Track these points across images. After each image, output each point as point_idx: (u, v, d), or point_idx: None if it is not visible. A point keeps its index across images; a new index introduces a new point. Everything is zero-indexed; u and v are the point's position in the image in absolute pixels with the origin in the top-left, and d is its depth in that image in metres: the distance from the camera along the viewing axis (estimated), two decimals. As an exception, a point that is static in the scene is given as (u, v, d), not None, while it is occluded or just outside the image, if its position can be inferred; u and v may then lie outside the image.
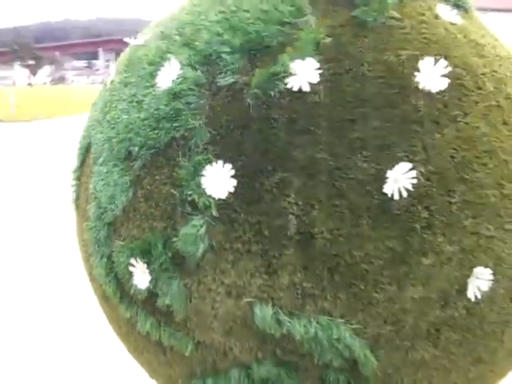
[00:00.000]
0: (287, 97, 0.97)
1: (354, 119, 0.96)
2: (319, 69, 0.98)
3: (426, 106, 0.98)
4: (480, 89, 1.05)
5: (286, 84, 0.98)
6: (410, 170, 0.94)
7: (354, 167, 0.94)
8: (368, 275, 0.94)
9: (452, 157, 0.97)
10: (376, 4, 1.06)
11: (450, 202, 0.96)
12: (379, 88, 0.98)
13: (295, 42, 1.01)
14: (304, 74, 0.98)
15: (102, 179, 1.10)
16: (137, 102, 1.08)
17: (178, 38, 1.11)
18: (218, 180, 0.96)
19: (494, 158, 1.01)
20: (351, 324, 0.95)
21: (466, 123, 1.00)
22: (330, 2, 1.08)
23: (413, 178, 0.94)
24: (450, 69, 1.01)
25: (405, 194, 0.94)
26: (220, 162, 0.96)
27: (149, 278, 1.02)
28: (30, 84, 39.22)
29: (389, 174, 0.93)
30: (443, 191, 0.96)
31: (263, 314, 0.95)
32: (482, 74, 1.07)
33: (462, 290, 0.98)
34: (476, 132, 1.00)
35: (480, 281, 0.99)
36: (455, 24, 1.13)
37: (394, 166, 0.93)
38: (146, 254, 1.01)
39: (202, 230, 0.96)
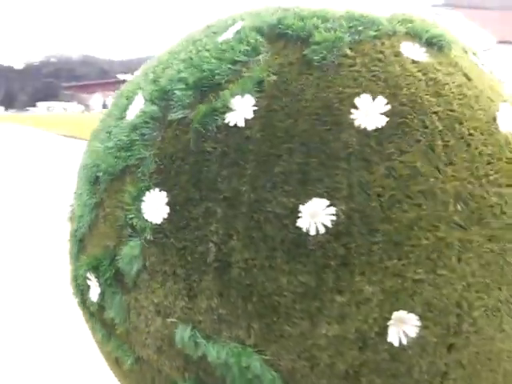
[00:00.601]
0: (224, 131, 1.03)
1: (280, 154, 0.99)
2: (255, 105, 1.03)
3: (358, 143, 0.98)
4: (426, 127, 1.02)
5: (224, 119, 1.04)
6: (329, 206, 0.94)
7: (273, 201, 0.96)
8: (280, 308, 0.95)
9: (379, 195, 0.96)
10: (328, 43, 1.09)
11: (372, 242, 0.94)
12: (311, 124, 1.00)
13: (240, 79, 1.07)
14: (241, 109, 1.03)
15: (78, 200, 1.24)
16: (108, 132, 1.21)
17: (151, 75, 1.23)
18: (155, 206, 1.04)
19: (431, 199, 0.97)
20: (264, 355, 0.96)
21: (400, 161, 0.98)
22: (286, 41, 1.13)
23: (332, 214, 0.94)
24: (389, 107, 1.01)
25: (322, 230, 0.94)
26: (157, 190, 1.05)
27: (98, 291, 1.13)
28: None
29: (303, 208, 0.94)
30: (365, 230, 0.94)
31: (182, 334, 1.00)
32: (433, 113, 1.04)
33: (383, 333, 0.95)
34: (411, 171, 0.98)
35: (406, 326, 0.95)
36: (417, 62, 1.11)
37: (309, 201, 0.94)
38: (95, 270, 1.12)
39: (137, 251, 1.04)
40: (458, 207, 0.99)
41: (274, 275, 0.95)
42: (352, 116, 1.00)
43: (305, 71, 1.06)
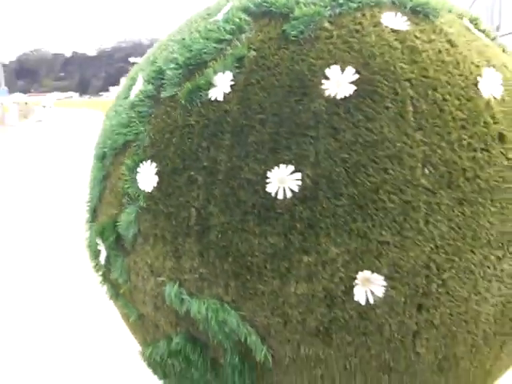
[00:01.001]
0: (206, 106, 1.11)
1: (253, 125, 1.05)
2: (233, 81, 1.10)
3: (327, 112, 1.03)
4: (397, 94, 1.04)
5: (207, 95, 1.12)
6: (296, 172, 1.00)
7: (246, 168, 1.04)
8: (253, 267, 1.03)
9: (344, 161, 1.00)
10: (306, 17, 1.13)
11: (337, 205, 0.99)
12: (284, 96, 1.06)
13: (222, 57, 1.14)
14: (221, 85, 1.11)
15: (91, 175, 1.37)
16: (115, 111, 1.33)
17: (151, 57, 1.33)
18: (147, 176, 1.15)
19: (397, 164, 1.01)
20: (241, 311, 1.05)
21: (367, 128, 1.02)
22: (270, 18, 1.18)
23: (298, 179, 1.00)
24: (357, 76, 1.04)
25: (289, 195, 1.00)
26: (149, 162, 1.15)
27: (105, 254, 1.26)
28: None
29: (271, 174, 1.01)
30: (330, 194, 1.00)
31: (170, 292, 1.10)
32: (406, 80, 1.06)
33: (349, 292, 1.00)
34: (378, 137, 1.01)
35: (373, 286, 1.00)
36: (396, 31, 1.13)
37: (276, 168, 1.01)
38: (102, 235, 1.24)
39: (133, 217, 1.16)
40: (426, 171, 1.01)
41: (246, 237, 1.03)
42: (323, 86, 1.05)
43: (282, 46, 1.12)
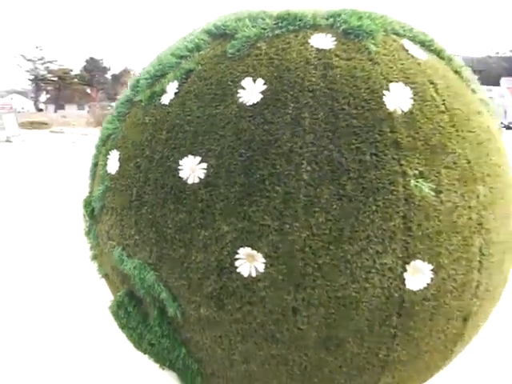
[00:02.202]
0: (158, 108, 1.39)
1: (182, 124, 1.30)
2: (178, 89, 1.36)
3: (236, 115, 1.24)
4: (298, 102, 1.22)
5: (160, 100, 1.39)
6: (202, 162, 1.23)
7: (171, 158, 1.28)
8: (168, 237, 1.26)
9: (241, 155, 1.20)
10: (245, 38, 1.36)
11: (231, 191, 1.20)
12: (208, 102, 1.29)
13: (176, 70, 1.41)
14: (170, 92, 1.37)
15: (91, 161, 1.71)
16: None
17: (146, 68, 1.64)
18: (113, 162, 1.44)
19: (285, 161, 1.18)
20: (158, 273, 1.29)
21: (264, 130, 1.21)
22: (224, 39, 1.42)
23: (204, 168, 1.22)
24: (265, 87, 1.24)
25: (196, 180, 1.23)
26: (115, 150, 1.45)
27: (87, 223, 1.57)
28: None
29: (183, 162, 1.24)
30: (227, 182, 1.20)
31: (115, 254, 1.38)
32: (309, 91, 1.23)
33: (234, 264, 1.19)
34: (272, 137, 1.20)
35: (256, 262, 1.18)
36: (320, 49, 1.30)
37: (186, 158, 1.24)
38: (84, 207, 1.57)
39: (100, 193, 1.46)
40: (309, 168, 1.17)
41: (165, 212, 1.27)
42: (239, 95, 1.26)
43: (221, 61, 1.35)
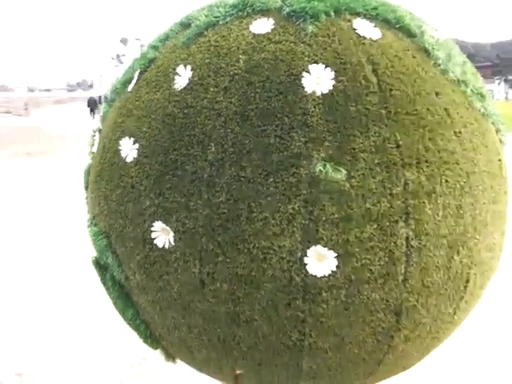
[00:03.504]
0: (122, 95, 1.54)
1: (131, 109, 1.43)
2: (138, 75, 1.50)
3: (166, 100, 1.34)
4: (217, 87, 1.27)
5: (128, 87, 1.54)
6: (135, 143, 1.35)
7: (117, 140, 1.43)
8: (112, 209, 1.42)
9: (162, 138, 1.30)
10: (196, 27, 1.44)
11: (152, 168, 1.30)
12: (150, 88, 1.40)
13: (142, 59, 1.54)
14: (134, 80, 1.52)
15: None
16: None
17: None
18: (95, 142, 1.64)
19: (196, 144, 1.25)
20: (108, 239, 1.45)
21: (184, 113, 1.29)
22: (184, 29, 1.52)
23: (136, 148, 1.35)
24: (192, 72, 1.31)
25: (130, 159, 1.36)
26: (98, 132, 1.64)
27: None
28: (506, 98, 39.14)
29: (121, 143, 1.38)
30: (150, 160, 1.31)
31: (87, 222, 1.58)
32: (236, 74, 1.27)
33: (151, 237, 1.30)
34: (188, 120, 1.27)
35: (169, 235, 1.28)
36: (257, 35, 1.33)
37: (123, 139, 1.38)
38: (84, 177, 1.78)
39: (86, 168, 1.67)
40: (213, 149, 1.22)
41: (111, 187, 1.42)
42: (174, 81, 1.35)
43: (174, 50, 1.45)
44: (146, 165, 1.32)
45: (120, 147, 1.40)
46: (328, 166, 1.18)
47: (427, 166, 1.23)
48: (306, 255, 1.18)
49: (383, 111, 1.23)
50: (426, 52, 1.38)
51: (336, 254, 1.18)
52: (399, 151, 1.22)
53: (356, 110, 1.21)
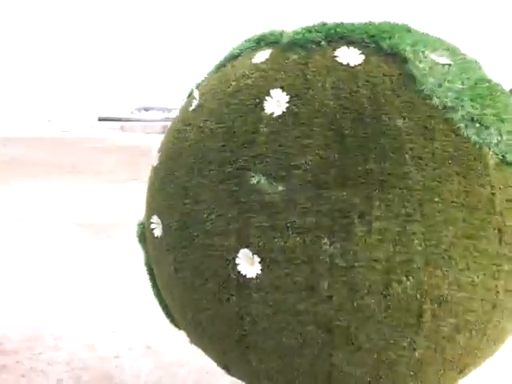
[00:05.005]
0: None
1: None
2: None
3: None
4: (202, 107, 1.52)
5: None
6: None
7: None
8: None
9: (170, 148, 1.60)
10: (220, 60, 1.71)
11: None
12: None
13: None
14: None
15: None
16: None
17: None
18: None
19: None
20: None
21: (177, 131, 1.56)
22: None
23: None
24: (198, 97, 1.58)
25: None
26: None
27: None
28: None
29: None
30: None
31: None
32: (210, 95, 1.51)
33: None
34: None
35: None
36: (253, 64, 1.54)
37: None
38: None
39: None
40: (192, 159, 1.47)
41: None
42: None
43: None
44: (159, 170, 1.65)
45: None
46: (263, 179, 1.31)
47: (365, 188, 1.25)
48: (237, 256, 1.33)
49: (329, 133, 1.30)
50: (412, 78, 1.37)
51: (260, 259, 1.30)
52: (335, 171, 1.26)
53: (301, 131, 1.31)
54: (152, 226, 1.61)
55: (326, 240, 1.25)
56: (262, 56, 1.53)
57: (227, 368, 1.60)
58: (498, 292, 1.34)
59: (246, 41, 1.72)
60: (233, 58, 1.67)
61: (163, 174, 1.57)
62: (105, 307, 3.55)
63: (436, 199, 1.25)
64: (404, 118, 1.31)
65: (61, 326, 3.19)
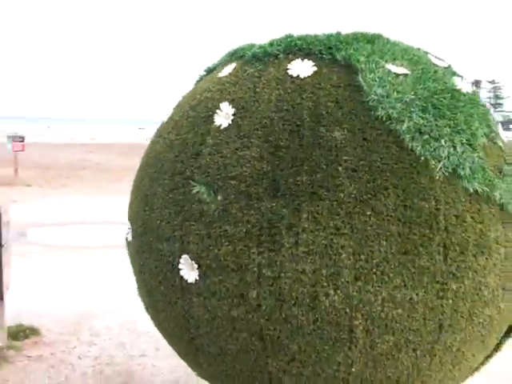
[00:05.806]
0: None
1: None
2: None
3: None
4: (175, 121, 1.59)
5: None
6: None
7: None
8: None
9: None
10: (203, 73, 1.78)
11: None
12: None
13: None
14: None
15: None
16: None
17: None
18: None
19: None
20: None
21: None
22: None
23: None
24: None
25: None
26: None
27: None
28: None
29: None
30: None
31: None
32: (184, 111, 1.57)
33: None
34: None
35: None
36: (217, 78, 1.59)
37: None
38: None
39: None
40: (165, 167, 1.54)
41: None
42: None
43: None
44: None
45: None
46: (203, 189, 1.35)
47: (294, 200, 1.24)
48: (180, 262, 1.38)
49: (265, 145, 1.31)
50: (360, 88, 1.34)
51: (197, 265, 1.33)
52: (267, 182, 1.27)
53: (241, 143, 1.34)
54: (127, 230, 1.70)
55: (254, 250, 1.26)
56: (227, 70, 1.57)
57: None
58: (444, 312, 1.26)
59: (224, 54, 1.77)
60: (209, 71, 1.73)
61: (136, 182, 1.66)
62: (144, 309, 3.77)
63: (368, 212, 1.22)
64: (343, 130, 1.28)
65: (100, 323, 3.40)
